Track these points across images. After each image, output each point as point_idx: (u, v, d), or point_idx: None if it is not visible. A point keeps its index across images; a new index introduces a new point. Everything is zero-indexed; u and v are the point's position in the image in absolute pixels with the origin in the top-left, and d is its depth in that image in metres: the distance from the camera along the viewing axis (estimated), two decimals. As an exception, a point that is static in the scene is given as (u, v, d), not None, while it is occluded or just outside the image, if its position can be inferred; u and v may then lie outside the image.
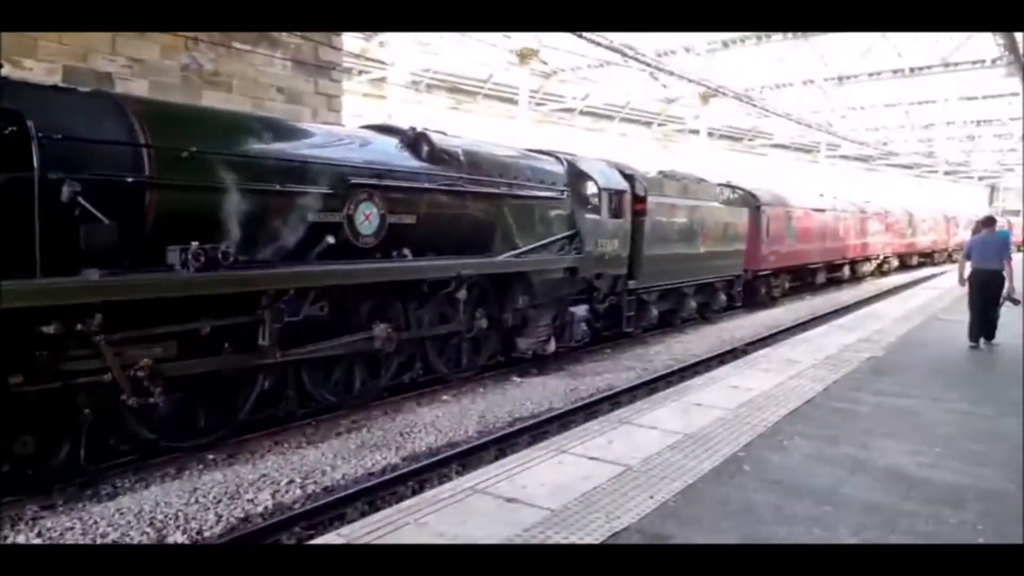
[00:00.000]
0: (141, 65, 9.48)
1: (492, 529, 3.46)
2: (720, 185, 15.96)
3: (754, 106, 27.19)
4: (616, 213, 10.60)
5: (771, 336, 12.76)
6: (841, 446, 4.91)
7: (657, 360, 10.85)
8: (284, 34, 10.94)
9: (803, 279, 20.38)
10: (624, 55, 19.86)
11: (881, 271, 27.48)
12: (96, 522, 4.66)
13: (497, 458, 6.07)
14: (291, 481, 5.47)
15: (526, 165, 9.69)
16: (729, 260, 14.73)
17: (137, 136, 5.47)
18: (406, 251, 7.61)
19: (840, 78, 25.04)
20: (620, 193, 10.73)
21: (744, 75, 24.63)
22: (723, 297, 14.99)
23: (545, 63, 22.24)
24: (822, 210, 21.12)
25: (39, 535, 4.45)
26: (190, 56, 9.94)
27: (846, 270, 23.84)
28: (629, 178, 11.20)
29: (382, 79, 22.67)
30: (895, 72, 24.33)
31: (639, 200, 11.27)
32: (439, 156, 8.11)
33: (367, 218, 7.14)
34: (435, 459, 6.07)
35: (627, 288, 11.10)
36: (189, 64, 9.98)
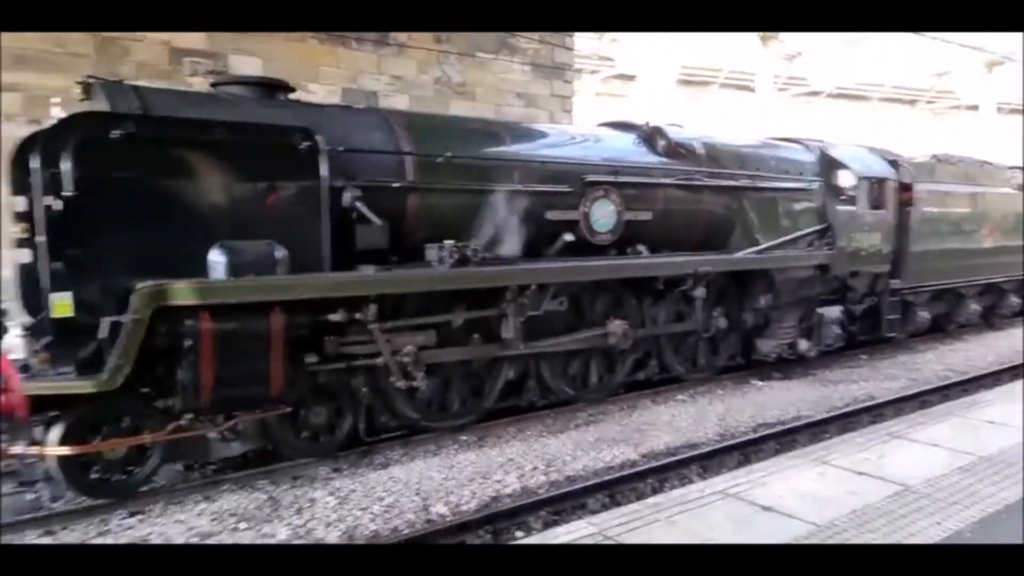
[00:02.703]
0: (401, 81, 10.62)
1: (749, 536, 3.26)
2: (1013, 168, 13.46)
3: (1055, 71, 22.57)
4: (876, 204, 9.46)
5: (1085, 348, 10.48)
6: None
7: (926, 369, 9.49)
8: (522, 40, 11.52)
9: None
10: (883, 26, 17.74)
11: None
12: (373, 487, 5.25)
13: (741, 464, 5.78)
14: (535, 467, 5.68)
15: (769, 155, 9.06)
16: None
17: (401, 146, 6.10)
18: (642, 248, 7.53)
19: None
20: (881, 181, 9.55)
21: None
22: (1015, 300, 12.71)
23: (784, 44, 20.70)
24: None
25: (331, 493, 5.12)
26: (441, 69, 10.92)
27: None
28: (892, 164, 9.96)
29: (613, 76, 22.86)
30: None
31: (905, 189, 9.94)
32: (676, 150, 7.91)
33: (603, 215, 7.18)
34: (675, 459, 5.90)
35: (889, 288, 9.86)
36: (440, 77, 10.96)
